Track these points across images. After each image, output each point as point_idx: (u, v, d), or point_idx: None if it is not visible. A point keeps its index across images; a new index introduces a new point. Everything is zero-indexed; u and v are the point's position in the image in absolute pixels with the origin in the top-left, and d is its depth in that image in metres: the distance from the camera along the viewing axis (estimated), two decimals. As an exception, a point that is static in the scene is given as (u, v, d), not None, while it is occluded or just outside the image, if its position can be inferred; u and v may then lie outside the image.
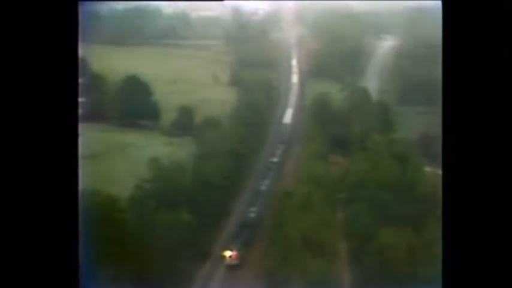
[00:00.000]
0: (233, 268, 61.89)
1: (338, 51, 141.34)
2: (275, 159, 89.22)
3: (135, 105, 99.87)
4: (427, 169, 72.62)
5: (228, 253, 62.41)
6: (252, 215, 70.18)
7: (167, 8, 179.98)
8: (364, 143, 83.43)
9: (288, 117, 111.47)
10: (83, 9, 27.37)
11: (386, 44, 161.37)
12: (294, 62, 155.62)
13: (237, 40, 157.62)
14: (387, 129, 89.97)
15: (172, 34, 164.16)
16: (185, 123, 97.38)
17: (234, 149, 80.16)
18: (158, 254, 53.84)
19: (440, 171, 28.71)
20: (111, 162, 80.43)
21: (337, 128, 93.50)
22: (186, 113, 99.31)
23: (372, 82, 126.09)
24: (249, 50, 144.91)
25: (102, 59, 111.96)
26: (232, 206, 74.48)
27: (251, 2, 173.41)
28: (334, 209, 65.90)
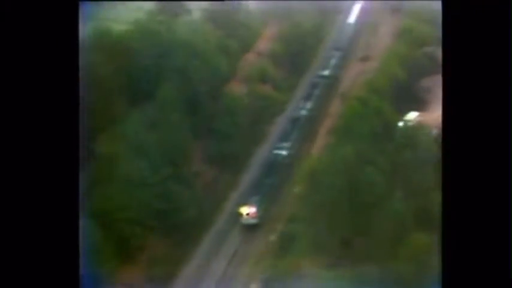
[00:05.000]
0: (250, 228, 54.25)
1: None
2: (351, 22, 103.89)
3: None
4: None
5: (245, 210, 55.04)
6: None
7: None
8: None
9: None
10: (82, 9, 27.84)
11: None
12: None
13: None
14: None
15: None
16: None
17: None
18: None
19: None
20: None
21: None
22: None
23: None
24: None
25: None
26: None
27: None
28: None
